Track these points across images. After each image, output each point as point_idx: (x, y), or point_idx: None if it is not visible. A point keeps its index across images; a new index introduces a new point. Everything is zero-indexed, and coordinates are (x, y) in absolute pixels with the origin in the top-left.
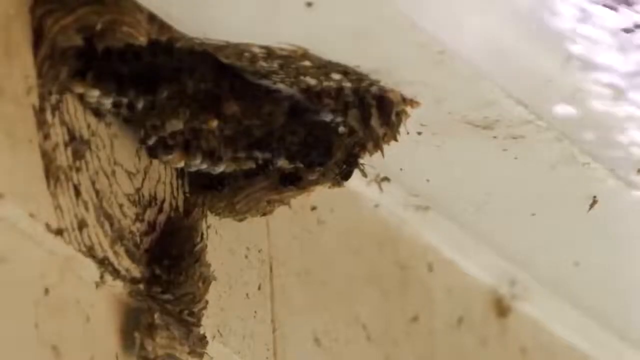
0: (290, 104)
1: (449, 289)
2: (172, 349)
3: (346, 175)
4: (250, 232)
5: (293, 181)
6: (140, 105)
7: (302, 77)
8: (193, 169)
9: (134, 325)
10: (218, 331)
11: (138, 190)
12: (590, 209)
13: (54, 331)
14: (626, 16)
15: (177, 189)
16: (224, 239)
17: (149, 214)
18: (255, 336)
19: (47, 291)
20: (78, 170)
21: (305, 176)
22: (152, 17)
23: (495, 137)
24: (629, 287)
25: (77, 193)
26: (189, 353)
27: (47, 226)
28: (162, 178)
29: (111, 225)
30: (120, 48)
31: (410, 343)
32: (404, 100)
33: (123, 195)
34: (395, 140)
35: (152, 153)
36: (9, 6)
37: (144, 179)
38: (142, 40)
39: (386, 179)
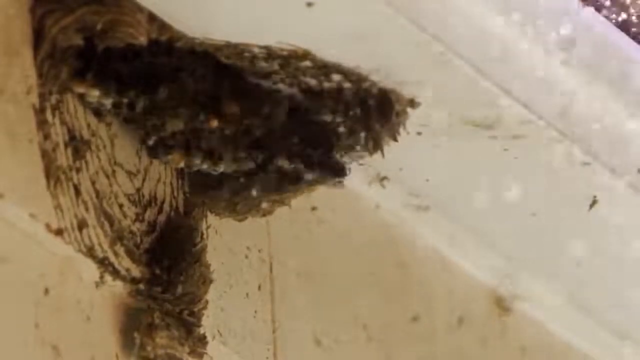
0: (290, 104)
1: (449, 289)
2: (172, 349)
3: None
4: (250, 232)
5: (294, 180)
6: (140, 105)
7: (302, 77)
8: (193, 169)
9: (134, 325)
10: (218, 331)
11: (138, 190)
12: (590, 209)
13: (54, 331)
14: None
15: (178, 189)
16: (224, 239)
17: (149, 214)
18: (255, 336)
19: (47, 291)
20: (78, 170)
21: (305, 176)
22: (152, 17)
23: (495, 137)
24: (629, 287)
25: (77, 193)
26: (189, 353)
27: (47, 226)
28: (163, 178)
29: (111, 225)
30: (121, 48)
31: (410, 343)
32: (404, 100)
33: (123, 195)
34: (395, 140)
35: (153, 153)
36: (9, 6)
37: (144, 179)
38: (142, 40)
39: (386, 178)
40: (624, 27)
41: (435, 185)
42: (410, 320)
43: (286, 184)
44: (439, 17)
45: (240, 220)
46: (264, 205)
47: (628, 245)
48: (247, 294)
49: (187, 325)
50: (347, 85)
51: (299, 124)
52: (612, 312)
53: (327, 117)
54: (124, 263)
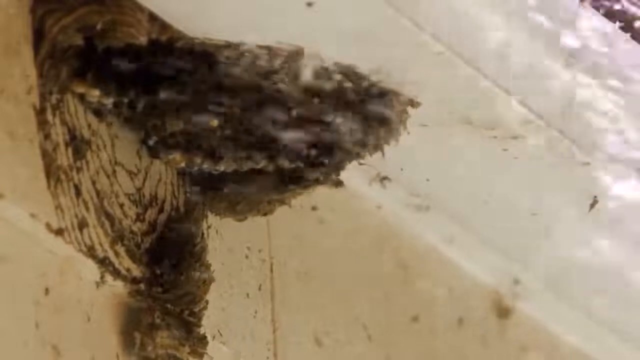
0: (290, 104)
1: (449, 288)
2: (172, 349)
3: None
4: (250, 232)
5: (294, 180)
6: (140, 105)
7: (302, 77)
8: (194, 168)
9: (134, 325)
10: (218, 331)
11: (139, 190)
12: (590, 209)
13: (54, 331)
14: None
15: (178, 189)
16: (224, 239)
17: (150, 214)
18: (255, 336)
19: (47, 291)
20: (79, 170)
21: (306, 176)
22: (152, 17)
23: (495, 137)
24: (630, 287)
25: (78, 193)
26: (190, 353)
27: (48, 226)
28: (163, 178)
29: (112, 225)
30: (121, 48)
31: (410, 343)
32: (404, 100)
33: (124, 195)
34: (396, 140)
35: (153, 153)
36: (9, 6)
37: (144, 179)
38: (143, 40)
39: (386, 178)
40: (626, 26)
41: (436, 185)
42: (410, 320)
43: (286, 184)
44: (439, 17)
45: (240, 220)
46: (265, 205)
47: (628, 245)
48: (247, 294)
49: (188, 325)
50: (347, 85)
51: (300, 124)
52: (612, 313)
53: (327, 117)
54: (125, 263)
